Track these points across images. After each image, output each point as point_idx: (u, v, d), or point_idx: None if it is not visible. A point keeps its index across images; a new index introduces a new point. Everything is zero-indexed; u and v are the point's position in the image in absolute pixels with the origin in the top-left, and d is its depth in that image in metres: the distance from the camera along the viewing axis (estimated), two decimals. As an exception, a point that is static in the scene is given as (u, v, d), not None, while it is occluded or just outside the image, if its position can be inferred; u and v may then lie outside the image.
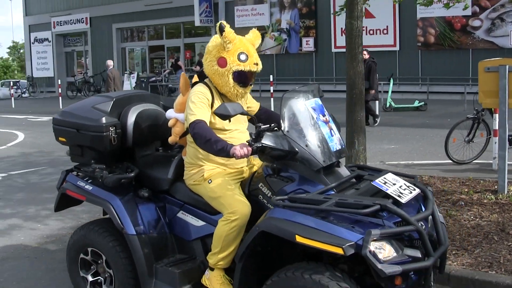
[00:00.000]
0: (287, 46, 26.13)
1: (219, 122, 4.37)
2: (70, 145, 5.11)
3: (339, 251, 3.47)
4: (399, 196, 3.82)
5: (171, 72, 28.27)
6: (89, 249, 4.87)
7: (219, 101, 4.40)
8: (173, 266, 4.52)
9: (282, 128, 4.09)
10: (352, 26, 7.38)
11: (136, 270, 4.57)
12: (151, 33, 32.95)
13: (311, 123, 4.15)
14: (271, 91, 19.59)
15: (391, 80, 18.65)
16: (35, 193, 9.39)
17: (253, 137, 4.04)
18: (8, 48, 74.05)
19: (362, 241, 3.44)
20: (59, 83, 28.06)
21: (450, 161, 9.86)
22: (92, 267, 4.94)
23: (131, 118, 4.90)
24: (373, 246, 3.48)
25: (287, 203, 3.81)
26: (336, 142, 4.19)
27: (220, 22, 4.42)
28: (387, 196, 3.84)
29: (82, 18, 34.48)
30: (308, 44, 25.27)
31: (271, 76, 20.14)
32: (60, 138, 5.08)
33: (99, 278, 4.91)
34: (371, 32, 23.03)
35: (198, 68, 24.52)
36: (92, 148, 4.89)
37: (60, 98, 26.67)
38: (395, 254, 3.57)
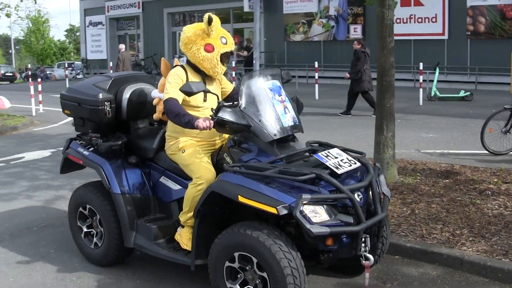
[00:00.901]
0: (335, 33, 26.13)
1: (193, 100, 4.96)
2: (74, 117, 5.88)
3: (273, 211, 4.06)
4: (337, 168, 4.34)
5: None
6: (87, 206, 5.66)
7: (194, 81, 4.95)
8: (151, 222, 5.24)
9: (239, 105, 4.68)
10: (383, 15, 7.53)
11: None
12: (202, 18, 33.22)
13: (266, 101, 4.71)
14: (316, 77, 19.73)
15: (437, 69, 18.51)
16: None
17: (214, 111, 4.56)
18: (65, 31, 75.69)
19: (294, 204, 4.00)
20: (111, 65, 28.65)
21: (486, 152, 9.87)
22: (88, 220, 5.74)
23: (126, 95, 5.64)
24: (307, 209, 4.04)
25: (236, 169, 4.40)
26: (289, 119, 4.72)
27: (208, 14, 5.01)
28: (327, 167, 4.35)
29: (135, 3, 35.02)
30: (355, 31, 25.22)
31: (316, 63, 20.23)
32: (65, 111, 5.90)
33: (92, 231, 5.71)
34: (419, 20, 22.76)
35: (245, 53, 24.76)
36: (90, 119, 5.62)
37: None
38: (328, 218, 4.11)
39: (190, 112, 4.83)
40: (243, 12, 28.70)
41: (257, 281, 4.29)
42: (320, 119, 14.89)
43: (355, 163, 4.57)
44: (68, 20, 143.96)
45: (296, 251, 4.17)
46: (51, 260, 5.86)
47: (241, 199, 4.24)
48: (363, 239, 4.27)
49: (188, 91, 4.62)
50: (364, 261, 4.33)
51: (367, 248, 4.32)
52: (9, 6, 18.26)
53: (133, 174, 5.44)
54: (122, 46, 23.05)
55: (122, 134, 5.67)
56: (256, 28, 7.50)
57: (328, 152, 4.55)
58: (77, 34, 66.08)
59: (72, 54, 66.75)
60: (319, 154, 4.49)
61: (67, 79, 31.60)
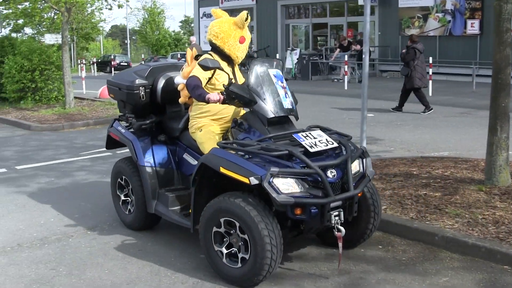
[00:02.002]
0: (451, 28, 25.31)
1: (218, 85, 5.65)
2: (117, 100, 6.75)
3: (246, 181, 4.65)
4: (311, 147, 4.90)
5: (332, 50, 28.35)
6: (123, 177, 6.55)
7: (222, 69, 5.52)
8: (170, 192, 6.01)
9: (248, 83, 5.34)
10: (501, 8, 7.15)
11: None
12: (316, 11, 33.14)
13: (271, 84, 5.37)
14: (430, 73, 19.17)
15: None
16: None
17: (225, 86, 5.28)
18: (180, 22, 77.44)
19: (264, 175, 4.56)
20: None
21: None
22: (124, 190, 6.62)
23: (162, 82, 6.41)
24: (278, 181, 4.61)
25: (224, 145, 5.02)
26: (288, 102, 5.37)
27: (246, 11, 5.79)
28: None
29: (249, -6, 35.37)
30: (473, 27, 24.33)
31: (430, 58, 19.66)
32: (110, 95, 6.82)
33: (127, 199, 6.58)
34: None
35: (358, 47, 24.42)
36: (128, 102, 6.47)
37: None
38: (298, 190, 4.67)
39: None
40: (358, 5, 28.35)
41: (240, 243, 4.89)
42: (435, 116, 14.43)
43: (333, 144, 5.07)
44: (183, 11, 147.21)
45: (273, 216, 4.76)
46: (147, 253, 5.88)
47: (222, 170, 4.87)
48: (336, 213, 4.85)
49: (205, 65, 5.29)
50: (336, 232, 4.88)
51: (338, 221, 4.87)
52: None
53: (159, 150, 6.24)
54: (193, 38, 24.88)
55: (157, 115, 6.43)
56: (366, 21, 7.45)
57: (310, 133, 5.13)
58: (192, 25, 67.46)
59: (186, 45, 68.19)
60: (299, 134, 5.09)
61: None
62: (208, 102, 5.38)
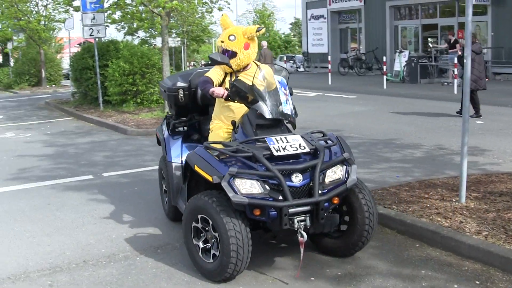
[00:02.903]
0: None
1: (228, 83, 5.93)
2: (166, 101, 7.46)
3: (210, 179, 5.01)
4: (277, 151, 5.02)
5: (444, 50, 27.03)
6: (162, 172, 7.14)
7: (230, 78, 6.02)
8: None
9: (253, 83, 5.54)
10: None
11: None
12: (425, 11, 31.81)
13: (274, 88, 5.61)
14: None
15: None
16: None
17: (230, 83, 5.68)
18: (290, 24, 77.26)
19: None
20: (329, 59, 28.39)
21: None
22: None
23: None
24: (239, 182, 4.87)
25: (206, 145, 5.35)
26: (288, 108, 5.52)
27: (261, 25, 6.12)
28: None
29: (357, -5, 34.50)
30: None
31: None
32: (161, 96, 7.52)
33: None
34: None
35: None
36: (170, 103, 6.98)
37: (329, 74, 26.95)
38: (258, 192, 4.87)
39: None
40: (470, 4, 26.85)
41: (213, 240, 5.15)
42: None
43: (304, 149, 5.12)
44: (293, 13, 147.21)
45: (243, 217, 4.96)
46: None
47: (195, 168, 5.28)
48: (302, 218, 4.92)
49: (214, 59, 5.76)
50: (299, 237, 4.94)
51: (302, 226, 4.92)
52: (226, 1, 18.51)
53: (189, 148, 6.44)
54: (264, 43, 25.34)
55: (199, 116, 6.90)
56: (467, 21, 6.71)
57: (285, 137, 5.20)
58: (301, 27, 67.11)
59: (296, 47, 67.90)
60: (272, 138, 5.21)
61: (285, 72, 31.95)
62: (212, 95, 5.75)
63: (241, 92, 5.50)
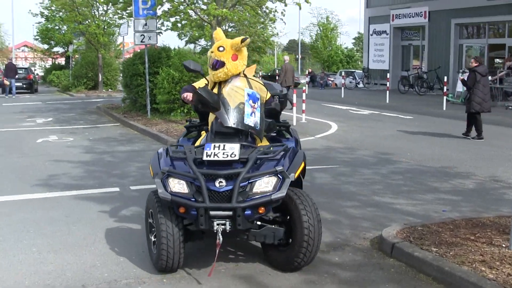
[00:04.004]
0: None
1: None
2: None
3: (151, 174, 5.67)
4: (207, 156, 5.40)
5: (508, 74, 25.81)
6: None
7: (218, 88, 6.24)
8: None
9: (221, 92, 5.99)
10: None
11: None
12: (493, 30, 30.55)
13: (240, 99, 5.87)
14: None
15: None
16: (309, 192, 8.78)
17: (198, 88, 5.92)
18: (353, 39, 76.36)
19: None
20: (388, 76, 27.50)
21: None
22: None
23: None
24: (172, 181, 5.35)
25: (171, 147, 5.86)
26: (250, 120, 5.77)
27: (246, 36, 6.27)
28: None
29: (421, 12, 33.32)
30: None
31: None
32: None
33: None
34: None
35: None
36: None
37: (387, 92, 26.07)
38: (186, 192, 5.29)
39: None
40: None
41: (155, 233, 5.57)
42: None
43: (234, 156, 5.39)
44: (358, 27, 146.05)
45: (180, 220, 5.45)
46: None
47: (150, 166, 5.84)
48: (223, 221, 5.21)
49: (186, 66, 6.05)
50: (217, 239, 5.23)
51: (220, 229, 5.22)
52: (275, 11, 17.96)
53: None
54: (286, 58, 25.41)
55: None
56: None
57: (223, 145, 5.50)
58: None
59: (359, 62, 66.93)
60: (210, 144, 5.56)
61: (342, 87, 31.19)
62: (184, 100, 6.30)
63: (203, 100, 5.76)
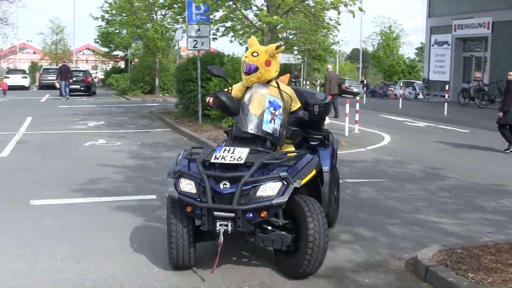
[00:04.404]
0: None
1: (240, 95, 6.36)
2: None
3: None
4: (216, 158, 5.56)
5: None
6: None
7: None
8: None
9: (242, 97, 6.14)
10: None
11: None
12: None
13: (261, 106, 5.96)
14: None
15: None
16: (346, 205, 8.44)
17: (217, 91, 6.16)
18: (416, 49, 75.18)
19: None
20: (447, 88, 26.77)
21: None
22: None
23: None
24: (183, 180, 5.57)
25: (191, 150, 6.09)
26: (270, 127, 5.92)
27: (281, 43, 6.39)
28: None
29: (484, 23, 32.35)
30: None
31: None
32: None
33: None
34: None
35: None
36: None
37: (445, 104, 25.35)
38: (194, 192, 5.47)
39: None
40: None
41: None
42: None
43: (241, 160, 5.50)
44: (421, 38, 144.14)
45: (189, 224, 5.63)
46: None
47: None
48: (226, 222, 5.32)
49: (210, 70, 6.32)
50: (219, 240, 5.37)
51: (222, 229, 5.34)
52: (330, 19, 17.63)
53: None
54: (330, 67, 25.09)
55: None
56: None
57: (233, 149, 5.66)
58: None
59: (420, 73, 65.81)
60: (221, 147, 5.77)
61: (400, 98, 30.58)
62: (208, 104, 6.33)
63: (221, 103, 5.95)
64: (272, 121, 5.97)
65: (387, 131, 18.35)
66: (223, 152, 5.62)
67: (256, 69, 6.24)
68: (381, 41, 63.65)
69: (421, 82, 40.69)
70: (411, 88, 40.52)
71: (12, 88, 43.98)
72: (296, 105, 6.54)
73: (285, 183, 5.40)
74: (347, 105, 17.63)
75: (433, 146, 15.37)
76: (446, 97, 26.18)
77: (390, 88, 46.03)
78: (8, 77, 46.57)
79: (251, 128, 5.88)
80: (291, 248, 5.62)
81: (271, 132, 5.94)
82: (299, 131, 6.38)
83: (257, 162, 5.50)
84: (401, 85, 34.36)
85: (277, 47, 6.32)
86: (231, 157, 5.55)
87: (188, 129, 17.50)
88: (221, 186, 5.43)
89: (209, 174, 5.49)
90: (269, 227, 5.68)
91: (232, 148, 5.68)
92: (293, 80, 40.92)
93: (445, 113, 24.51)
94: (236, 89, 6.46)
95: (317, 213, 5.49)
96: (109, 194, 9.18)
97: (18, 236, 6.99)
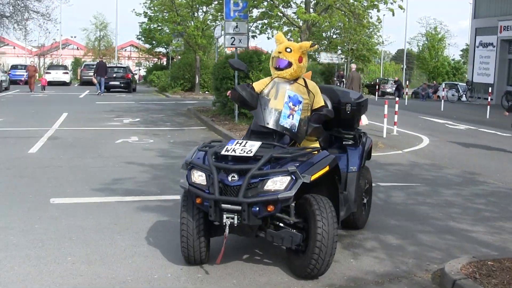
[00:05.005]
0: None
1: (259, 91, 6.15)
2: None
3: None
4: (226, 151, 5.52)
5: None
6: None
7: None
8: None
9: (262, 91, 6.04)
10: None
11: None
12: None
13: (279, 101, 5.89)
14: None
15: None
16: (376, 209, 8.06)
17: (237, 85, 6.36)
18: (461, 50, 73.90)
19: None
20: (490, 90, 26.04)
21: None
22: None
23: None
24: (194, 172, 5.58)
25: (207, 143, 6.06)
26: (288, 122, 5.87)
27: (315, 42, 5.60)
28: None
29: (531, 24, 31.55)
30: None
31: None
32: None
33: None
34: None
35: None
36: None
37: (488, 107, 24.66)
38: (204, 183, 5.47)
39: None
40: None
41: None
42: None
43: (251, 153, 5.39)
44: (467, 39, 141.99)
45: (200, 216, 5.61)
46: None
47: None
48: (232, 215, 5.28)
49: (231, 64, 6.29)
50: (225, 232, 5.37)
51: (228, 222, 5.30)
52: (371, 17, 17.18)
53: None
54: (353, 66, 25.42)
55: None
56: None
57: (245, 142, 5.60)
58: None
59: (465, 75, 64.64)
60: (233, 139, 5.78)
61: (442, 100, 29.89)
62: (230, 97, 6.33)
63: (240, 97, 5.88)
64: (291, 116, 5.92)
65: (427, 133, 17.87)
66: (235, 145, 5.59)
67: (289, 64, 6.13)
68: (426, 42, 62.68)
69: (465, 84, 39.83)
70: (454, 90, 39.68)
71: (53, 83, 44.61)
72: (320, 102, 6.37)
73: (294, 177, 5.29)
74: (386, 106, 17.18)
75: (473, 150, 14.85)
76: (489, 99, 25.46)
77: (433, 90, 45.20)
78: (49, 73, 47.17)
79: (268, 122, 5.84)
80: (301, 247, 5.52)
81: (288, 127, 5.89)
82: (322, 128, 6.29)
83: (266, 156, 5.40)
84: (443, 86, 33.59)
85: (311, 45, 6.32)
86: (241, 149, 5.50)
87: (223, 127, 17.25)
88: (229, 178, 5.38)
89: (218, 166, 5.45)
90: (281, 224, 5.61)
91: (244, 141, 5.65)
92: (337, 79, 40.43)
93: (487, 116, 23.81)
94: (258, 84, 6.29)
95: (327, 212, 5.37)
96: (132, 194, 8.96)
97: (32, 236, 6.80)
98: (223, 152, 5.53)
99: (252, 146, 5.52)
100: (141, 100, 30.33)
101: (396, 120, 17.48)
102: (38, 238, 6.73)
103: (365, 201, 7.32)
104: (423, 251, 6.53)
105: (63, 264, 5.91)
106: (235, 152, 5.47)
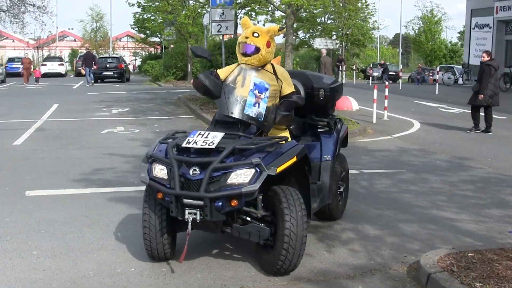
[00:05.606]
0: None
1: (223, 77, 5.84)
2: None
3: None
4: (187, 143, 5.24)
5: None
6: None
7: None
8: None
9: (225, 79, 5.76)
10: None
11: None
12: None
13: (244, 88, 5.65)
14: None
15: None
16: (357, 198, 7.83)
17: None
18: (458, 33, 73.49)
19: None
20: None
21: None
22: None
23: None
24: (156, 166, 5.33)
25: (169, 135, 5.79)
26: (253, 111, 5.62)
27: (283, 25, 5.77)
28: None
29: (527, 4, 31.22)
30: None
31: None
32: None
33: None
34: None
35: None
36: None
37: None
38: (165, 178, 5.23)
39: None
40: None
41: None
42: None
43: (212, 145, 5.12)
44: (463, 21, 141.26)
45: (163, 212, 5.39)
46: None
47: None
48: (194, 211, 5.06)
49: (194, 51, 5.98)
50: (187, 228, 5.16)
51: (191, 218, 5.07)
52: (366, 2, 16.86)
53: None
54: (324, 51, 26.12)
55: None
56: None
57: (208, 133, 5.34)
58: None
59: (462, 57, 64.27)
60: (195, 130, 5.48)
61: (437, 83, 29.60)
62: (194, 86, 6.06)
63: (203, 87, 5.60)
64: (257, 104, 5.64)
65: (418, 117, 17.65)
66: (197, 136, 5.29)
67: (257, 50, 5.81)
68: (422, 25, 62.35)
69: (461, 67, 39.52)
70: (450, 73, 39.37)
71: (48, 75, 44.48)
72: (289, 88, 6.03)
73: (258, 170, 5.01)
74: (375, 91, 16.91)
75: (465, 134, 14.61)
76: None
77: (429, 73, 44.83)
78: (45, 64, 47.09)
79: (232, 111, 5.56)
80: (269, 242, 5.27)
81: (254, 116, 5.61)
82: (292, 116, 6.01)
83: (228, 147, 5.11)
84: (438, 69, 33.30)
85: (280, 29, 6.05)
86: (203, 141, 5.21)
87: (210, 115, 16.99)
88: (191, 172, 5.10)
89: (178, 159, 5.18)
90: (248, 219, 5.34)
91: (206, 132, 5.36)
92: (338, 64, 40.05)
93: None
94: (223, 71, 5.96)
95: (296, 211, 5.09)
96: (109, 184, 8.76)
97: (2, 229, 6.62)
98: (184, 145, 5.25)
99: (215, 138, 5.25)
100: (133, 90, 30.11)
101: (386, 105, 17.23)
102: (7, 231, 6.55)
103: (341, 189, 7.03)
104: (402, 242, 6.26)
105: (28, 259, 5.71)
106: (196, 144, 5.19)
